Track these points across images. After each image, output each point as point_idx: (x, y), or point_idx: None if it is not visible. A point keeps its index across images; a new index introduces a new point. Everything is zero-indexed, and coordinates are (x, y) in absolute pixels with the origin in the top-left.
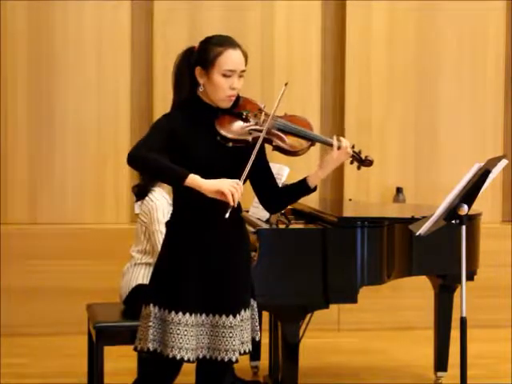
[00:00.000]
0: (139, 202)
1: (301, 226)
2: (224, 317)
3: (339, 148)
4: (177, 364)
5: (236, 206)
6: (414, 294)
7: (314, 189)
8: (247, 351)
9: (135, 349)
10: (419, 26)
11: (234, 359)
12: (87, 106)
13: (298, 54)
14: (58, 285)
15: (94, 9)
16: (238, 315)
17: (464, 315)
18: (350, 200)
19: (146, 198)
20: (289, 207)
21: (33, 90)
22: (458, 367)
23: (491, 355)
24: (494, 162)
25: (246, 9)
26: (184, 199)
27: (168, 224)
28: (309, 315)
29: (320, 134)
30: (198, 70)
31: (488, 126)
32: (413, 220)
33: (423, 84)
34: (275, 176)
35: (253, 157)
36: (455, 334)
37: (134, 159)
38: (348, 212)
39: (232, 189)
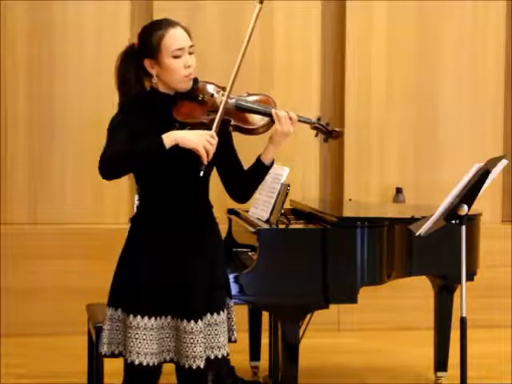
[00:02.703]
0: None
1: (301, 226)
2: (185, 321)
3: (278, 118)
4: (150, 369)
5: (209, 161)
6: (414, 294)
7: (271, 165)
8: (225, 355)
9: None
10: (419, 27)
11: (194, 366)
12: (87, 105)
13: (297, 54)
14: (57, 285)
15: (94, 9)
16: (199, 320)
17: (464, 315)
18: (350, 200)
19: None
20: (289, 207)
21: (33, 90)
22: (458, 367)
23: (491, 355)
24: (493, 162)
25: (245, 9)
26: (150, 194)
27: (132, 220)
28: (309, 315)
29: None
30: (147, 63)
31: (488, 126)
32: (413, 220)
33: (423, 84)
34: (274, 176)
35: (222, 108)
36: (455, 335)
37: (104, 167)
38: (348, 212)
39: (208, 145)
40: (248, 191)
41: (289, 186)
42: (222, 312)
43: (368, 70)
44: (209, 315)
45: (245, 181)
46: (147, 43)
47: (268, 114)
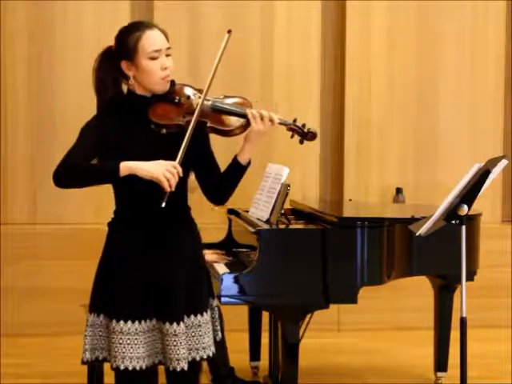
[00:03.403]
0: None
1: (301, 226)
2: (168, 324)
3: (254, 118)
4: (138, 374)
5: (173, 190)
6: (414, 293)
7: (247, 165)
8: (211, 355)
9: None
10: (419, 26)
11: (178, 369)
12: (87, 106)
13: (297, 54)
14: (57, 285)
15: (94, 9)
16: (181, 322)
17: (464, 315)
18: (350, 200)
19: None
20: (289, 207)
21: (33, 90)
22: (458, 367)
23: (491, 355)
24: (493, 162)
25: (246, 9)
26: (124, 199)
27: (109, 225)
28: (309, 315)
29: (320, 134)
30: (124, 64)
31: (488, 126)
32: (413, 220)
33: (423, 84)
34: (274, 177)
35: (188, 134)
36: (455, 335)
37: (58, 177)
38: (348, 212)
39: (168, 174)
40: (225, 193)
41: (289, 186)
42: (205, 313)
43: (368, 69)
44: (192, 317)
45: (221, 182)
46: (124, 45)
47: (244, 116)
